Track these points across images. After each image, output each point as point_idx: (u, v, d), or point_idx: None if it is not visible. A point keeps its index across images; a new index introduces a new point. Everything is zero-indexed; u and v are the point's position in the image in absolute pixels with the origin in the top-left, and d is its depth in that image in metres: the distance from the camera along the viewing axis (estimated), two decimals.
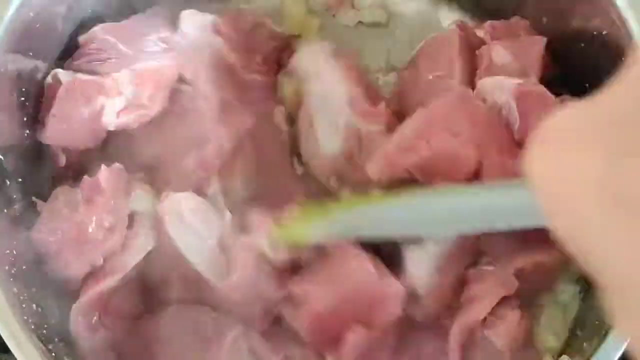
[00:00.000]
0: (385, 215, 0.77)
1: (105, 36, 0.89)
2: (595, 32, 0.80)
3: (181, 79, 0.89)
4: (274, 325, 0.85)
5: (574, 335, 0.88)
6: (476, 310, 0.81)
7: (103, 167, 0.82)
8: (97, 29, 0.89)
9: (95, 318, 0.80)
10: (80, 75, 0.85)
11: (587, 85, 0.85)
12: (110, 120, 0.85)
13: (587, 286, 0.91)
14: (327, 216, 0.79)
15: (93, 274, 0.81)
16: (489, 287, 0.82)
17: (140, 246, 0.82)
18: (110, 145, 0.89)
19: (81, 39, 0.89)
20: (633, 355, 0.45)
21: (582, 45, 0.84)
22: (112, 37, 0.89)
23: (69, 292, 0.82)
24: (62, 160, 0.86)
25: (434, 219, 0.77)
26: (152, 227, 0.83)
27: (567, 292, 0.92)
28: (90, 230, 0.80)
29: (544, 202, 0.47)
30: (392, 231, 0.79)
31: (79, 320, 0.80)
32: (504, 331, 0.81)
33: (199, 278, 0.82)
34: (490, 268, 0.83)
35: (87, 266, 0.81)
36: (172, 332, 0.82)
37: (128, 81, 0.86)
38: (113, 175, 0.82)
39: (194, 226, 0.83)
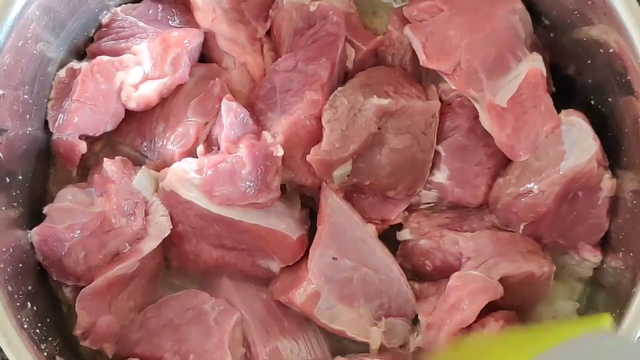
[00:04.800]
0: None
1: (127, 15, 0.88)
2: (601, 50, 0.80)
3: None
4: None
5: None
6: (461, 316, 0.78)
7: (105, 159, 0.82)
8: (119, 10, 0.89)
9: (103, 302, 0.80)
10: (100, 57, 0.84)
11: (592, 100, 0.85)
12: (129, 93, 0.83)
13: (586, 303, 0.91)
14: None
15: (109, 261, 0.81)
16: (473, 292, 0.79)
17: (158, 232, 0.81)
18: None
19: (104, 19, 0.89)
20: None
21: (589, 62, 0.83)
22: (133, 16, 0.88)
23: (76, 288, 0.81)
24: (84, 147, 0.84)
25: None
26: (165, 202, 0.82)
27: (566, 309, 0.89)
28: (113, 219, 0.79)
29: None
30: None
31: (87, 300, 0.78)
32: None
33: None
34: (475, 273, 0.80)
35: (108, 256, 0.80)
36: (175, 321, 0.80)
37: (147, 51, 0.85)
38: (116, 164, 0.82)
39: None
